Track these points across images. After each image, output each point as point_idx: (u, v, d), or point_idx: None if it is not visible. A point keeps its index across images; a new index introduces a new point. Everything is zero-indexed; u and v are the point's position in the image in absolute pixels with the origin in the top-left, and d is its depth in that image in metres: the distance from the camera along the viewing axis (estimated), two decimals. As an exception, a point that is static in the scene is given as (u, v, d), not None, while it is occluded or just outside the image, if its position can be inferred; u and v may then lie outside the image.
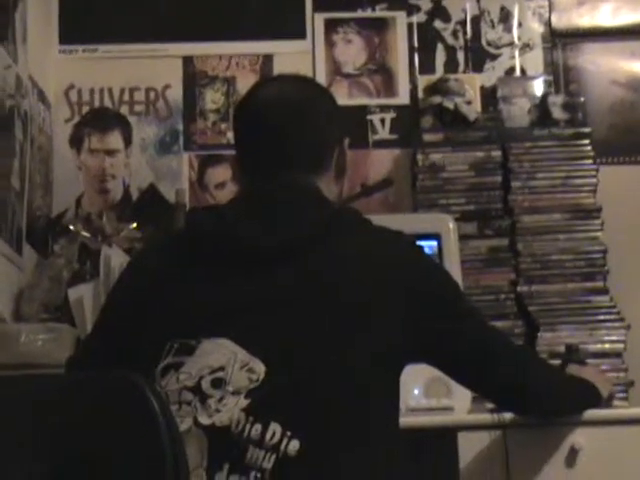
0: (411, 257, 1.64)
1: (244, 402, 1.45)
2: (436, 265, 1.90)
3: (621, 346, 2.64)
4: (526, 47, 3.10)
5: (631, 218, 2.90)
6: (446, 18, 3.12)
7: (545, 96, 2.95)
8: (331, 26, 3.11)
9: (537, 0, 3.13)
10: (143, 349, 1.56)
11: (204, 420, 1.45)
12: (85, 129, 3.05)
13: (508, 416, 1.98)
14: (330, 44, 3.11)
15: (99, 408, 1.32)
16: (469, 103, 2.92)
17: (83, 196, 3.00)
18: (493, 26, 3.11)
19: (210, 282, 1.56)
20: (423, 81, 3.03)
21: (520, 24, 3.11)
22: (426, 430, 2.03)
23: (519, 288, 2.72)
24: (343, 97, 2.99)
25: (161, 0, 3.11)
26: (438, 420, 2.11)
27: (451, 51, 3.10)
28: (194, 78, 3.09)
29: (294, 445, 1.42)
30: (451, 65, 3.09)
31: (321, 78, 3.01)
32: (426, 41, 3.11)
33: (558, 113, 2.88)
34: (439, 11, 3.12)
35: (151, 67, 3.08)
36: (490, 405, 2.00)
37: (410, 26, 3.11)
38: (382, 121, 3.06)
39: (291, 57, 3.07)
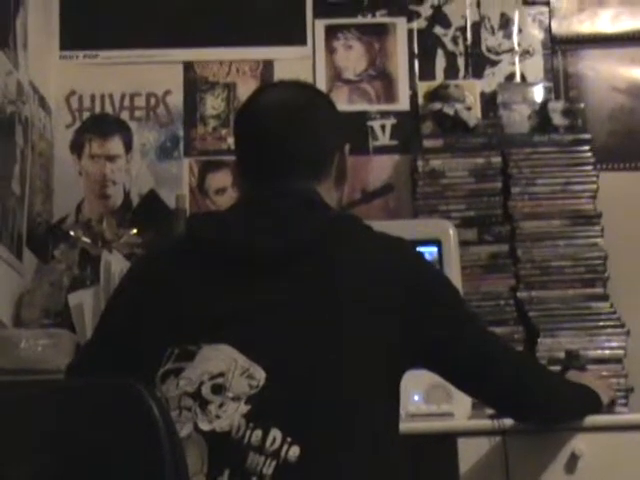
0: (411, 263, 1.64)
1: (244, 408, 1.45)
2: (436, 271, 1.91)
3: (621, 352, 2.64)
4: (526, 53, 3.10)
5: (631, 224, 2.90)
6: (446, 24, 3.12)
7: (545, 102, 2.95)
8: (331, 32, 3.11)
9: (537, 6, 3.13)
10: (143, 355, 1.56)
11: (204, 426, 1.45)
12: (86, 135, 3.05)
13: (508, 422, 1.97)
14: (330, 50, 3.11)
15: (99, 414, 1.32)
16: (469, 109, 2.92)
17: (83, 202, 3.00)
18: (493, 32, 3.12)
19: (210, 288, 1.56)
20: (423, 87, 3.04)
21: (520, 30, 3.12)
22: (426, 436, 2.03)
23: (519, 294, 2.72)
24: (343, 103, 3.00)
25: (161, 6, 3.12)
26: (438, 426, 2.11)
27: (451, 57, 3.11)
28: (195, 84, 3.09)
29: (294, 451, 1.42)
30: (451, 71, 3.09)
31: (321, 84, 3.01)
32: (426, 47, 3.11)
33: (558, 119, 2.88)
34: (439, 17, 3.12)
35: (152, 73, 3.08)
36: (490, 411, 2.00)
37: (410, 32, 3.11)
38: (382, 127, 3.06)
39: (291, 63, 3.07)
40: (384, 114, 3.07)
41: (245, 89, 3.00)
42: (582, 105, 2.96)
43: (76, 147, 3.04)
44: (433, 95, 2.97)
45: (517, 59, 3.10)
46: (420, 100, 3.02)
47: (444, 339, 1.62)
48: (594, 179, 2.80)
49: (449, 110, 2.89)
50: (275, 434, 1.43)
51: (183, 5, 3.11)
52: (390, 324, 1.55)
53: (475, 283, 2.70)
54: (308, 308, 1.52)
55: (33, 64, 2.81)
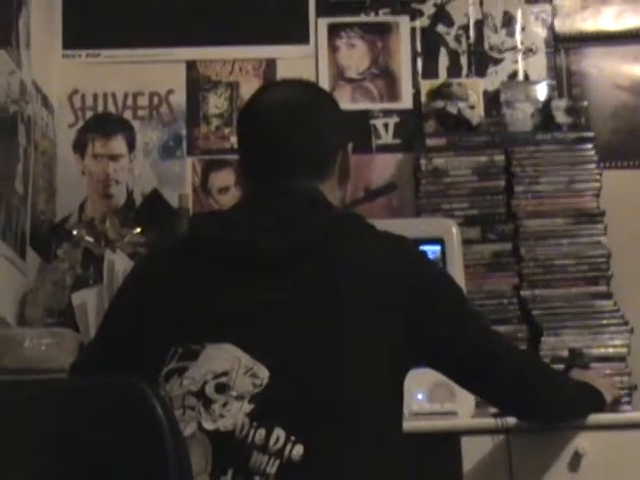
0: (414, 261, 1.64)
1: (248, 407, 1.45)
2: (439, 269, 1.90)
3: (625, 350, 2.64)
4: (529, 51, 3.10)
5: (634, 222, 2.90)
6: (449, 23, 3.12)
7: (548, 100, 2.95)
8: (334, 31, 3.11)
9: (540, 5, 3.13)
10: (146, 354, 1.56)
11: (208, 425, 1.45)
12: (89, 134, 3.05)
13: (511, 421, 1.97)
14: (333, 49, 3.11)
15: (102, 413, 1.32)
16: (472, 107, 2.92)
17: (87, 201, 3.01)
18: (496, 30, 3.11)
19: (213, 287, 1.56)
20: (426, 86, 3.04)
21: (523, 28, 3.11)
22: (430, 434, 2.03)
23: (522, 292, 2.72)
24: (346, 102, 2.99)
25: (164, 5, 3.12)
26: (442, 425, 2.11)
27: (454, 56, 3.10)
28: (197, 83, 3.09)
29: (298, 450, 1.42)
30: (454, 70, 3.09)
31: (324, 83, 3.02)
32: (429, 46, 3.11)
33: (561, 117, 2.88)
34: (442, 16, 3.12)
35: (154, 72, 3.08)
36: (494, 410, 2.00)
37: (413, 31, 3.11)
38: (385, 126, 3.06)
39: (294, 62, 3.07)
40: (387, 113, 3.07)
41: (248, 88, 3.00)
42: (585, 103, 2.96)
43: (79, 146, 3.04)
44: (436, 93, 2.97)
45: (520, 57, 3.10)
46: (423, 98, 3.02)
47: (447, 337, 1.62)
48: (597, 177, 2.79)
49: (452, 108, 2.89)
50: (279, 433, 1.43)
51: (186, 4, 3.11)
52: (393, 322, 1.55)
53: (478, 282, 2.70)
54: (311, 307, 1.52)
55: (36, 63, 2.81)
